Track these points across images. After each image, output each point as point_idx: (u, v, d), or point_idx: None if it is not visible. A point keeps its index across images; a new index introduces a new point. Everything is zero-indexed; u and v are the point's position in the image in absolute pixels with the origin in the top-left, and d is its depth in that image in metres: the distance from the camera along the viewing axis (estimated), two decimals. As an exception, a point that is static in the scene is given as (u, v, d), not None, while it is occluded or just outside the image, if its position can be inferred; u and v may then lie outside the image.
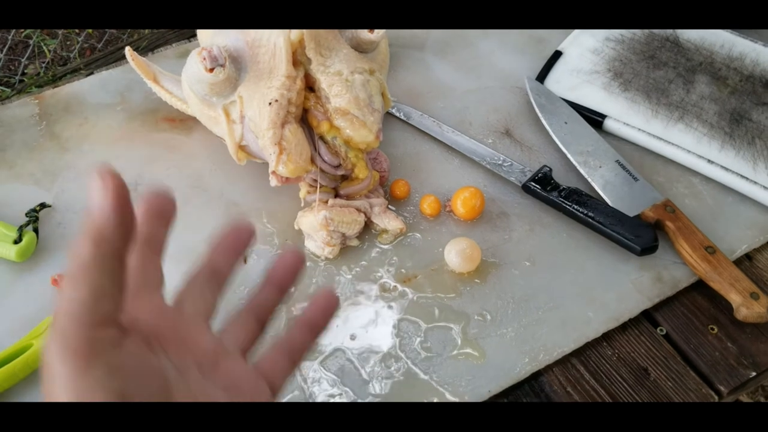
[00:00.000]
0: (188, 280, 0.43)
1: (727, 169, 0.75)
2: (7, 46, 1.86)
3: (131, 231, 0.35)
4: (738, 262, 0.69)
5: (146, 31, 1.93)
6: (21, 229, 0.66)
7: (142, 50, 0.91)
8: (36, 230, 0.68)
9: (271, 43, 0.67)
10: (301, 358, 0.44)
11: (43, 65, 1.89)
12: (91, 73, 0.85)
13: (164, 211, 0.42)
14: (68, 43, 1.97)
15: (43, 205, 0.70)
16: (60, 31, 1.94)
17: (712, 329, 0.65)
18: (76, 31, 1.98)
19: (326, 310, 0.46)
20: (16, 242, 0.66)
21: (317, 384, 0.60)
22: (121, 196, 0.34)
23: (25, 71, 1.89)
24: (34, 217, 0.69)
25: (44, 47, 1.93)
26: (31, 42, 1.90)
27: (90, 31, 1.96)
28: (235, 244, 0.45)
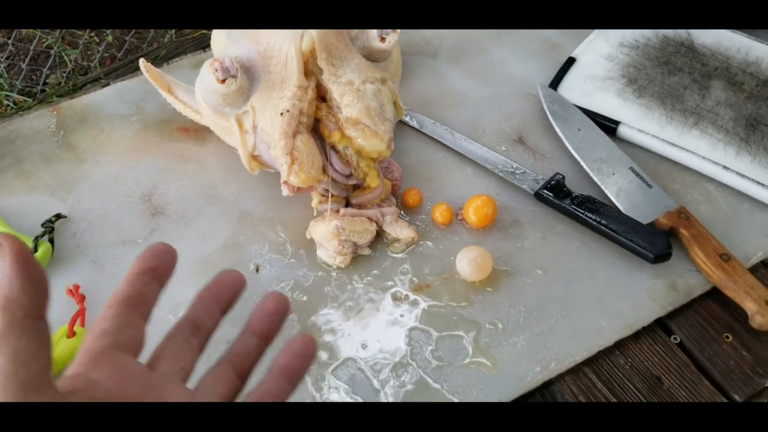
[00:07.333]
0: (166, 337, 0.41)
1: (742, 175, 0.74)
2: (29, 57, 1.88)
3: (44, 290, 0.34)
4: (753, 270, 0.69)
5: (165, 39, 1.94)
6: (37, 240, 0.67)
7: (160, 59, 0.92)
8: (52, 241, 0.68)
9: (283, 54, 0.67)
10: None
11: (65, 75, 1.91)
12: (107, 84, 0.86)
13: (157, 270, 0.40)
14: (89, 52, 1.99)
15: (59, 216, 0.71)
16: (81, 41, 1.96)
17: (727, 337, 0.65)
18: (97, 40, 2.00)
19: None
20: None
21: (328, 393, 0.60)
22: (22, 257, 0.33)
23: (47, 81, 1.91)
24: (50, 227, 0.69)
25: (65, 57, 1.95)
26: (52, 52, 1.92)
27: (110, 40, 1.98)
28: (219, 296, 0.43)
